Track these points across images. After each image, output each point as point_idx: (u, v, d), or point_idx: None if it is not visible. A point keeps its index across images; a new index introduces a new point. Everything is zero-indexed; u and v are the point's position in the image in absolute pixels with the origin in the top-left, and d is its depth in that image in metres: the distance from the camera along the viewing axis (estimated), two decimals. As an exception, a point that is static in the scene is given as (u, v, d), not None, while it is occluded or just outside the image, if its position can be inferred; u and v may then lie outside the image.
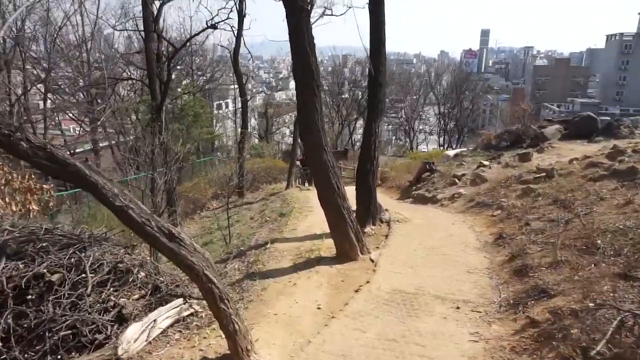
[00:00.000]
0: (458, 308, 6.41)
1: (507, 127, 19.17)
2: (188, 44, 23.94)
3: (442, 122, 58.17)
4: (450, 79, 63.59)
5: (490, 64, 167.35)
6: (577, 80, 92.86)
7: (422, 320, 6.10)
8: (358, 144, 54.26)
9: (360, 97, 48.12)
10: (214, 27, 15.24)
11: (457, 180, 14.02)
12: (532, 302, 6.11)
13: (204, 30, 17.35)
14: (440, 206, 12.96)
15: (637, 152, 10.63)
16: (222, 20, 15.42)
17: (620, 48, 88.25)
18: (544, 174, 11.81)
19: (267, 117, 49.08)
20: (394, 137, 77.71)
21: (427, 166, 16.11)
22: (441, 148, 53.23)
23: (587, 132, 16.48)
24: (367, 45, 10.22)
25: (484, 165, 14.42)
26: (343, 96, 50.44)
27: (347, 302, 6.66)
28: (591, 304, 5.09)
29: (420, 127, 65.53)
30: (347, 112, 47.47)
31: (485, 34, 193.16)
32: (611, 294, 5.35)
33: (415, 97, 62.20)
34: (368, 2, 10.07)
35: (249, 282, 7.79)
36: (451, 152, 20.89)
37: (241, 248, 10.54)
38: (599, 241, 7.12)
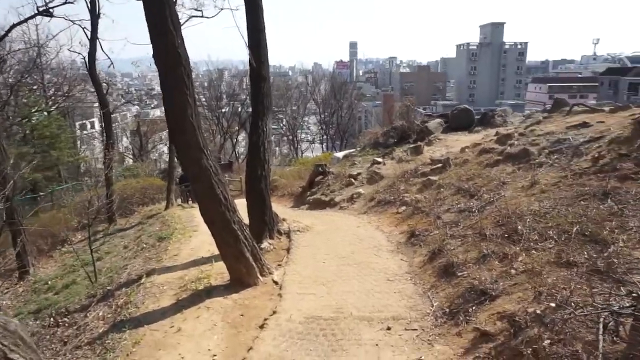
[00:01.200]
0: (389, 329, 5.13)
1: (392, 125, 19.05)
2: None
3: (323, 128, 58.67)
4: (327, 88, 64.70)
5: (361, 74, 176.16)
6: (437, 85, 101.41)
7: (350, 354, 4.69)
8: (242, 157, 52.35)
9: (240, 109, 46.35)
10: (47, 13, 12.39)
11: (353, 180, 13.09)
12: (473, 307, 5.06)
13: (33, 17, 14.01)
14: (340, 209, 11.85)
15: (524, 135, 10.59)
16: (58, 5, 12.62)
17: (468, 56, 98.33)
18: (439, 164, 11.33)
19: (140, 134, 44.86)
20: (277, 148, 76.99)
21: (320, 169, 15.03)
22: (328, 152, 53.59)
23: (465, 123, 16.81)
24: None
25: (378, 162, 13.72)
26: (223, 110, 48.24)
27: (251, 345, 5.00)
28: (552, 304, 4.12)
29: (303, 136, 65.68)
30: (228, 125, 45.29)
31: (353, 46, 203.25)
32: (564, 289, 4.47)
33: (294, 107, 62.11)
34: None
35: (116, 336, 5.71)
36: (340, 154, 20.21)
37: (108, 287, 8.23)
38: (519, 227, 6.42)
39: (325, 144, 59.60)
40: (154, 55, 6.54)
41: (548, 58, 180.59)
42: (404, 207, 9.82)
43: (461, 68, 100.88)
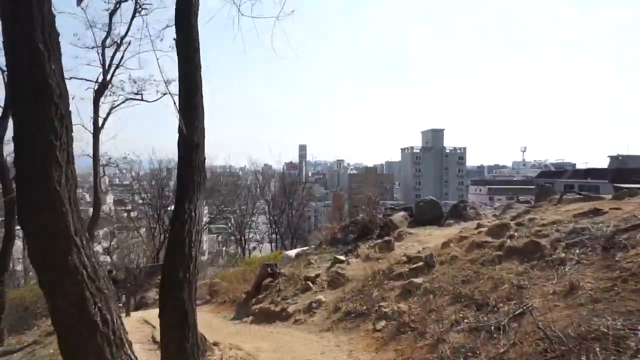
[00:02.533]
0: None
1: (353, 218, 16.86)
2: None
3: (273, 227, 55.85)
4: (277, 186, 63.21)
5: (310, 175, 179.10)
6: (384, 185, 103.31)
7: None
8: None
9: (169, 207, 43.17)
10: None
11: (310, 284, 10.32)
12: None
13: None
14: (295, 323, 8.90)
15: (522, 225, 8.55)
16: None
17: (412, 159, 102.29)
18: (420, 262, 8.93)
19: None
20: (224, 248, 72.71)
21: (269, 269, 12.17)
22: (278, 251, 50.24)
23: (432, 216, 14.91)
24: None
25: (341, 261, 11.14)
26: (168, 208, 44.95)
27: None
28: None
29: (251, 235, 62.32)
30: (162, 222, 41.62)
31: (302, 148, 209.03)
32: None
33: (243, 206, 59.57)
34: (175, 39, 6.48)
35: None
36: (292, 252, 17.46)
37: None
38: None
39: (274, 243, 56.41)
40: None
41: (483, 163, 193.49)
42: (383, 322, 7.12)
43: (406, 170, 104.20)
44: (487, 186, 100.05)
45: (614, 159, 61.49)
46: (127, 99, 17.05)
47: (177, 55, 6.57)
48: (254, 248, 59.20)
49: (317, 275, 10.63)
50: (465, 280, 7.39)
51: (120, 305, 21.00)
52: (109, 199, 62.22)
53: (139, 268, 27.54)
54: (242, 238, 55.16)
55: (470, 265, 7.95)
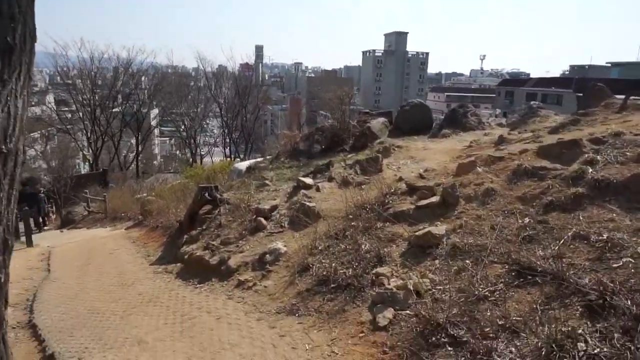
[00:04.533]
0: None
1: (318, 125, 13.25)
2: None
3: (226, 132, 51.38)
4: (231, 88, 57.54)
5: (267, 78, 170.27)
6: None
7: None
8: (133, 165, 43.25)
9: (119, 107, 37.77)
10: None
11: (263, 221, 6.93)
12: None
13: None
14: (238, 287, 5.61)
15: (603, 141, 5.31)
16: None
17: (374, 63, 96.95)
18: (434, 198, 5.67)
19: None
20: (178, 152, 68.12)
21: (207, 194, 8.60)
22: (229, 159, 46.57)
23: (421, 124, 11.58)
24: None
25: (308, 186, 7.71)
26: (116, 109, 39.33)
27: None
28: None
29: (205, 139, 57.73)
30: (108, 124, 36.41)
31: (259, 49, 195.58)
32: None
33: (196, 109, 54.04)
34: None
35: None
36: (243, 165, 13.88)
37: None
38: None
39: (228, 147, 52.38)
40: None
41: (441, 70, 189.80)
42: (389, 312, 3.94)
43: (367, 74, 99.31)
44: (446, 93, 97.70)
45: (575, 68, 59.43)
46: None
47: None
48: (207, 152, 55.11)
49: (274, 208, 7.22)
50: (530, 237, 4.21)
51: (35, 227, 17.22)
52: (49, 98, 54.56)
53: (68, 177, 23.25)
54: (194, 142, 50.69)
55: (525, 209, 4.75)
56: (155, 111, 53.00)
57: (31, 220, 18.55)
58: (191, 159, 45.87)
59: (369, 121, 12.29)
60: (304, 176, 8.42)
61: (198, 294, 5.81)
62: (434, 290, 4.03)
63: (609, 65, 54.34)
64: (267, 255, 5.90)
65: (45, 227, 19.21)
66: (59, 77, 42.91)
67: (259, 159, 14.27)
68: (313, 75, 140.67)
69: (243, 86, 52.32)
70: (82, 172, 34.42)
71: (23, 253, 11.18)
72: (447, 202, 5.46)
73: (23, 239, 12.59)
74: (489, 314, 3.43)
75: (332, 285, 4.75)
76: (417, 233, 4.93)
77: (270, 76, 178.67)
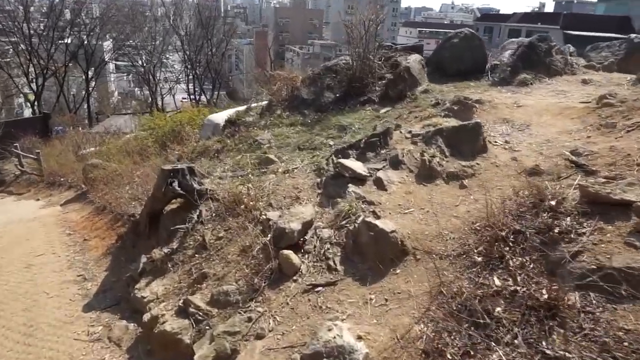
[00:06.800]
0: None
1: (327, 63, 9.54)
2: None
3: (188, 67, 45.63)
4: (194, 19, 50.73)
5: (229, 8, 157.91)
6: (313, 23, 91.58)
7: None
8: (85, 108, 37.52)
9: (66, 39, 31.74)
10: None
11: (293, 258, 3.55)
12: None
13: None
14: None
15: None
16: None
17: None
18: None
19: None
20: (137, 90, 61.50)
21: (176, 183, 5.05)
22: (193, 100, 41.54)
23: (473, 65, 8.16)
24: None
25: (358, 177, 4.29)
26: (65, 41, 32.98)
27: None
28: None
29: (165, 76, 51.59)
30: (49, 57, 30.54)
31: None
32: None
33: (154, 42, 47.40)
34: None
35: None
36: (220, 117, 10.07)
37: None
38: None
39: (192, 85, 46.93)
40: None
41: (410, 5, 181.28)
42: None
43: (338, 6, 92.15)
44: (419, 28, 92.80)
45: (563, 3, 55.85)
46: None
47: None
48: (170, 90, 49.47)
49: (308, 225, 3.81)
50: None
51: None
52: None
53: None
54: (153, 78, 44.93)
55: None
56: (108, 43, 46.30)
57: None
58: (150, 98, 40.60)
59: (396, 58, 8.71)
60: (340, 152, 4.95)
61: None
62: None
63: (595, 0, 51.04)
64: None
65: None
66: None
67: (240, 108, 10.49)
68: (279, 6, 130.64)
69: (206, 17, 46.07)
70: (24, 117, 29.17)
71: None
72: None
73: None
74: None
75: None
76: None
77: (232, 6, 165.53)
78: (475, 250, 3.12)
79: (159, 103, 40.88)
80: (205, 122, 10.50)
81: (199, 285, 3.76)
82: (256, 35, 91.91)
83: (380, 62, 8.53)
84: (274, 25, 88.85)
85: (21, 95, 34.56)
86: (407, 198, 3.92)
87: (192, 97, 45.53)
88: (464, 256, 3.15)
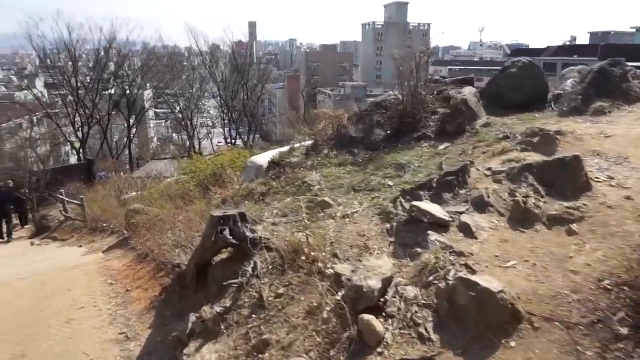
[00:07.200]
0: None
1: (375, 98, 9.15)
2: None
3: (224, 111, 46.74)
4: (229, 66, 52.65)
5: (261, 55, 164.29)
6: (343, 65, 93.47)
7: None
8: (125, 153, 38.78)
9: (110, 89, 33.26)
10: None
11: (375, 325, 2.95)
12: None
13: None
14: None
15: None
16: None
17: (374, 35, 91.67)
18: None
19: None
20: (175, 135, 63.62)
21: (226, 230, 4.58)
22: (230, 144, 42.24)
23: (534, 95, 7.56)
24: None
25: (439, 222, 3.70)
26: (109, 92, 34.66)
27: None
28: None
29: (201, 121, 53.09)
30: (94, 106, 31.93)
31: (252, 26, 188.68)
32: None
33: (191, 89, 49.21)
34: None
35: None
36: (262, 158, 9.79)
37: None
38: None
39: (227, 128, 47.90)
40: None
41: (437, 44, 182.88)
42: None
43: (367, 48, 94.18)
44: (449, 67, 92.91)
45: (596, 35, 54.71)
46: None
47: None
48: (206, 135, 50.72)
49: (387, 283, 3.22)
50: None
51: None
52: (38, 82, 49.53)
53: (41, 172, 19.08)
54: (190, 124, 46.17)
55: None
56: (148, 92, 48.39)
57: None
58: (188, 143, 41.52)
59: (448, 91, 8.23)
60: (408, 193, 4.39)
61: None
62: None
63: (633, 30, 49.74)
64: None
65: (13, 235, 15.28)
66: (38, 59, 38.13)
67: (283, 149, 10.18)
68: (309, 51, 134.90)
69: (242, 62, 47.61)
70: (69, 163, 30.28)
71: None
72: None
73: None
74: None
75: None
76: None
77: (264, 53, 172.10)
78: (615, 318, 2.43)
79: (197, 147, 41.76)
80: (248, 164, 10.22)
81: (260, 355, 3.18)
82: (288, 79, 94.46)
83: (432, 96, 8.06)
84: (305, 69, 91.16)
85: (67, 142, 36.10)
86: (504, 247, 3.28)
87: (228, 140, 46.42)
88: (600, 325, 2.46)
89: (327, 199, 5.42)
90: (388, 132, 7.83)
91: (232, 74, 49.21)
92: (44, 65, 38.79)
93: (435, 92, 8.22)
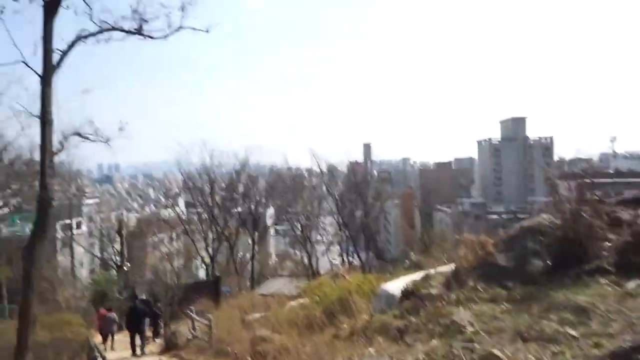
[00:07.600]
0: None
1: (525, 222, 8.15)
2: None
3: (342, 229, 47.51)
4: (346, 184, 55.11)
5: (375, 173, 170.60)
6: (460, 182, 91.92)
7: None
8: (247, 267, 40.86)
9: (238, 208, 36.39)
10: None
11: None
12: None
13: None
14: None
15: None
16: None
17: (491, 152, 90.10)
18: None
19: (122, 236, 35.18)
20: (292, 250, 65.96)
21: None
22: (346, 261, 42.06)
23: None
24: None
25: None
26: (237, 209, 38.48)
27: None
28: None
29: (318, 238, 54.48)
30: (225, 224, 34.82)
31: (367, 147, 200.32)
32: None
33: (311, 207, 51.90)
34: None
35: None
36: (395, 287, 9.04)
37: None
38: None
39: (345, 244, 48.12)
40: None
41: (564, 157, 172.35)
42: None
43: (484, 164, 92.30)
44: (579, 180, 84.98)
45: None
46: (104, 30, 9.61)
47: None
48: (324, 252, 51.53)
49: None
50: None
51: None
52: (181, 202, 57.04)
53: (174, 287, 20.41)
54: (309, 242, 47.39)
55: None
56: (271, 210, 51.94)
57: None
58: (308, 261, 42.24)
59: (617, 213, 6.96)
60: (623, 354, 3.31)
61: None
62: None
63: None
64: None
65: (145, 350, 15.89)
66: (182, 181, 44.16)
67: (415, 277, 9.35)
68: (423, 168, 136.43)
69: (360, 181, 49.42)
70: (197, 279, 32.54)
71: None
72: None
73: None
74: None
75: None
76: None
77: (378, 172, 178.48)
78: None
79: (314, 265, 42.26)
80: (379, 293, 9.51)
81: None
82: (403, 196, 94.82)
83: (599, 220, 6.86)
84: (420, 187, 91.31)
85: (199, 257, 39.30)
86: None
87: (344, 258, 46.41)
88: None
89: (496, 350, 4.42)
90: (548, 262, 6.68)
91: (348, 191, 50.98)
92: (186, 186, 44.47)
93: (603, 215, 7.01)
